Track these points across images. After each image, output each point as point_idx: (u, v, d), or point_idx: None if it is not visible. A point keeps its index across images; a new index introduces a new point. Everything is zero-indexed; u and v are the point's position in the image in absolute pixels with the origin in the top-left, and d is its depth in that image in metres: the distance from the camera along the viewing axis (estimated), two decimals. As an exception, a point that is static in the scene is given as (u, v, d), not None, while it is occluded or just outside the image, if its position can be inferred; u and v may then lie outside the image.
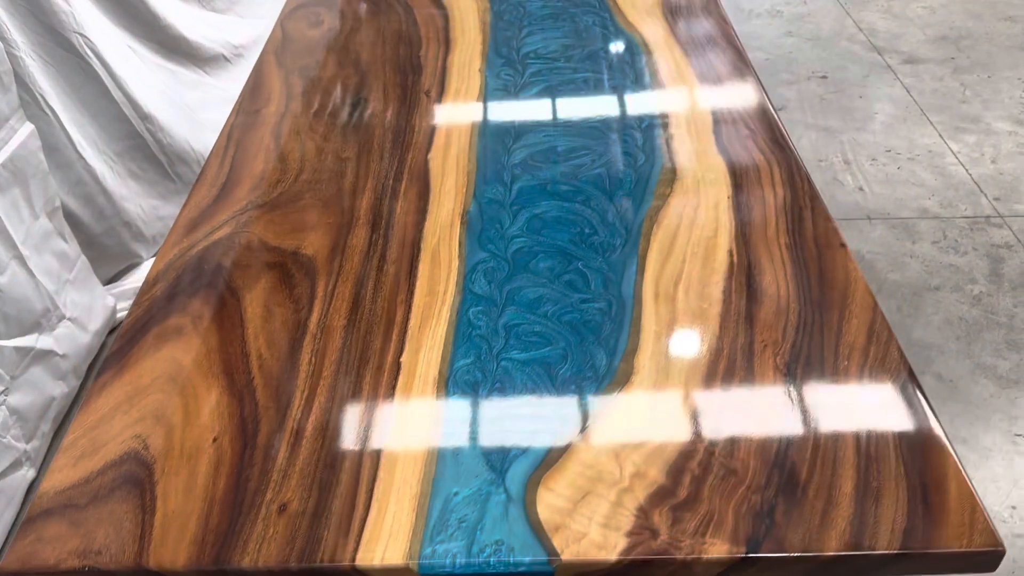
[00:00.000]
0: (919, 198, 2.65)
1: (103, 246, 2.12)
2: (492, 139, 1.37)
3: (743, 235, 1.13)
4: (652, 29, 1.70)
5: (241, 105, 1.49)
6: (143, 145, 2.21)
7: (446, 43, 1.67)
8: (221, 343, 0.98)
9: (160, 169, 2.31)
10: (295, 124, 1.42)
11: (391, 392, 0.91)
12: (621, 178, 1.26)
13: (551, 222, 1.18)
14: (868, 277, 2.27)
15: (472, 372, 0.94)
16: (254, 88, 1.54)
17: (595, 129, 1.39)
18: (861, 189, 2.70)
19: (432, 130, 1.40)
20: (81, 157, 1.97)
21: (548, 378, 0.93)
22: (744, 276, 1.06)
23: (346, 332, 0.99)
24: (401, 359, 0.96)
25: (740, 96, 1.46)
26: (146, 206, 2.25)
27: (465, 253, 1.12)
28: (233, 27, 2.84)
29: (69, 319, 1.86)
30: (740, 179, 1.25)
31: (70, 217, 1.97)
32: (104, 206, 2.07)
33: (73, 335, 1.86)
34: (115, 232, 2.13)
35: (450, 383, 0.93)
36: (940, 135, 2.97)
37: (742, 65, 1.54)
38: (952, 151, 2.87)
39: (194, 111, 2.53)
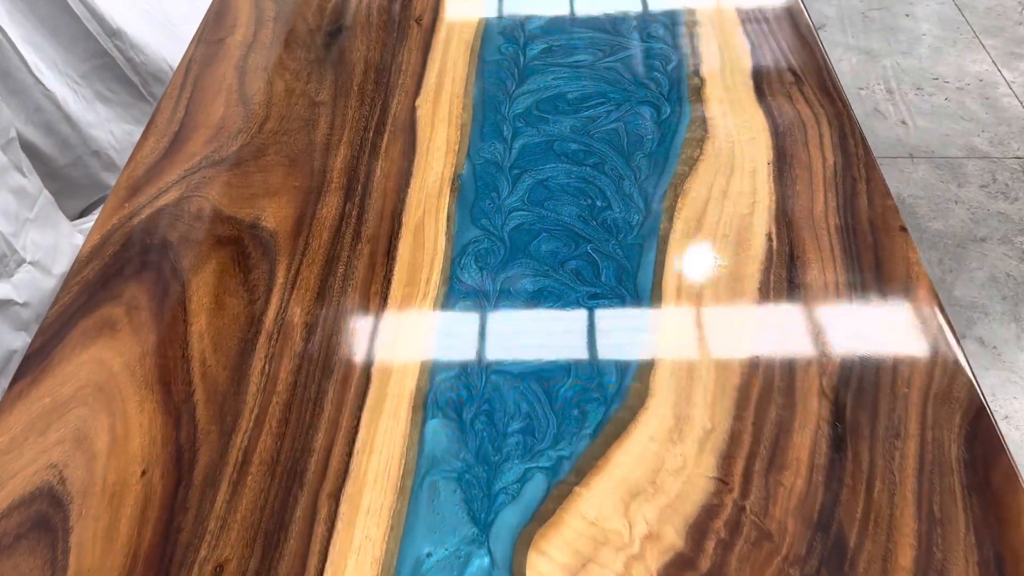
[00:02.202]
0: (967, 134, 2.43)
1: (69, 179, 1.95)
2: (492, 81, 1.18)
3: (785, 213, 0.96)
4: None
5: (203, 33, 1.29)
6: (112, 65, 2.01)
7: (443, -42, 1.45)
8: (159, 343, 0.84)
9: (133, 91, 2.11)
10: (263, 58, 1.23)
11: (356, 415, 0.77)
12: (641, 135, 1.08)
13: (557, 191, 1.01)
14: (907, 224, 2.09)
15: (456, 388, 0.79)
16: (219, 12, 1.34)
17: (613, 71, 1.19)
18: (904, 123, 2.48)
19: (422, 68, 1.21)
20: (39, 82, 1.78)
21: (546, 398, 0.78)
22: (785, 268, 0.89)
23: (308, 332, 0.84)
24: (371, 370, 0.81)
25: (785, 35, 1.25)
26: (118, 132, 2.07)
27: (454, 230, 0.96)
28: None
29: (30, 263, 1.71)
30: (783, 139, 1.06)
31: (29, 149, 1.80)
32: (68, 135, 1.90)
33: (35, 280, 1.72)
34: (83, 163, 1.96)
35: (428, 403, 0.78)
36: (993, 62, 2.71)
37: (795, 3, 1.32)
38: (1006, 80, 2.63)
39: (174, 24, 2.31)
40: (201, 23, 1.31)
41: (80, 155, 1.94)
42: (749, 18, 1.28)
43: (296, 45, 1.25)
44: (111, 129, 2.04)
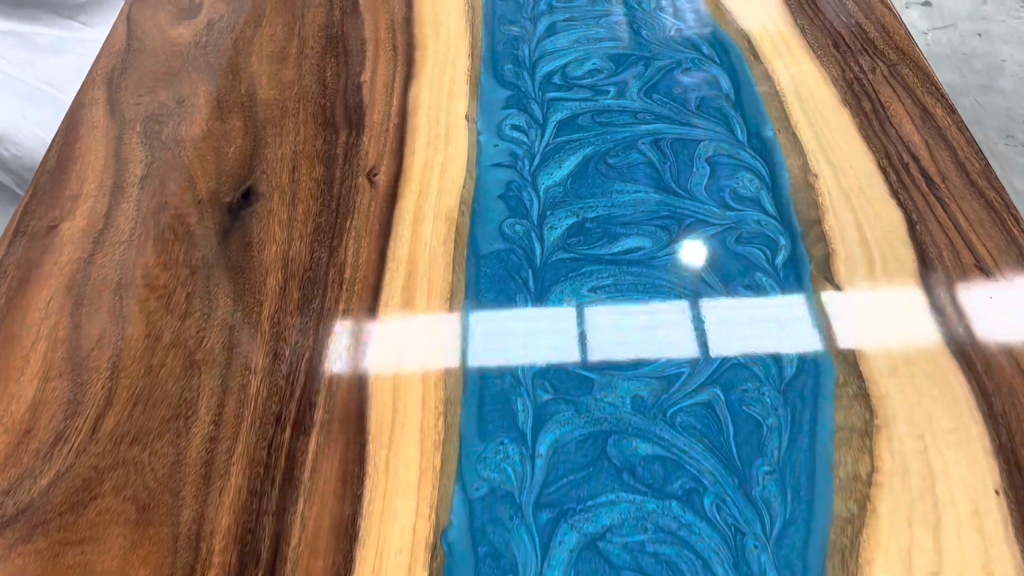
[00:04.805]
0: (1080, 200, 2.01)
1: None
2: (492, 297, 0.74)
3: (1061, 631, 0.53)
4: (765, 14, 1.03)
5: (27, 209, 0.84)
6: (-32, 168, 1.56)
7: (407, 55, 1.01)
8: None
9: (5, 194, 1.67)
10: (115, 265, 0.78)
11: None
12: (757, 419, 0.65)
13: (623, 568, 0.57)
14: None
15: None
16: (57, 168, 0.89)
17: (687, 271, 0.76)
18: (997, 184, 2.05)
19: (378, 275, 0.77)
20: None
21: None
22: None
23: None
24: None
25: (955, 189, 0.82)
26: (-17, 254, 1.62)
27: None
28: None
29: None
30: (1007, 431, 0.63)
31: None
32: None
33: None
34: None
35: None
36: (1096, 96, 2.30)
37: (951, 125, 0.89)
38: (1115, 122, 2.21)
39: (58, 88, 1.86)
40: (28, 191, 0.86)
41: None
42: (893, 162, 0.85)
43: (173, 234, 0.81)
44: (-28, 252, 1.59)
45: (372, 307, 0.74)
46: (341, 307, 0.74)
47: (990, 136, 2.19)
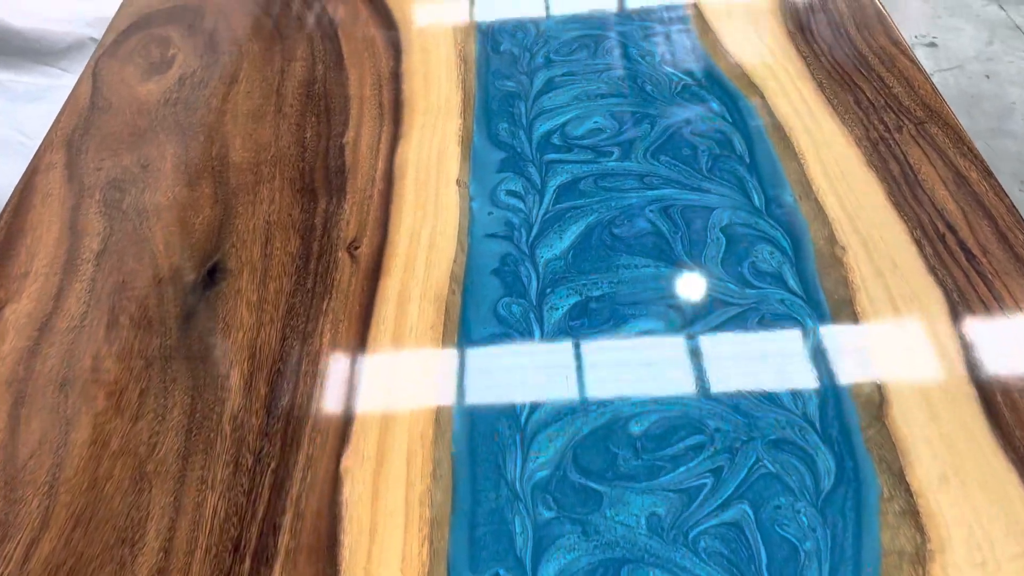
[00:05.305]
0: (1101, 248, 1.93)
1: None
2: (479, 418, 0.66)
3: None
4: (779, 67, 0.96)
5: (-33, 291, 0.76)
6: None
7: (394, 113, 0.94)
8: None
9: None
10: (64, 354, 0.70)
11: None
12: (784, 555, 0.57)
13: None
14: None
15: None
16: (7, 238, 0.81)
17: (707, 366, 0.68)
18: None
19: (355, 375, 0.69)
20: None
21: None
22: None
23: None
24: None
25: (1000, 266, 0.74)
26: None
27: None
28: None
29: None
30: (1083, 559, 0.55)
31: None
32: None
33: None
34: None
35: None
36: (1110, 138, 2.24)
37: (988, 191, 0.82)
38: None
39: (33, 138, 1.80)
40: (-30, 267, 0.78)
41: None
42: (927, 233, 0.77)
43: (129, 319, 0.73)
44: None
45: (350, 406, 0.66)
46: (313, 401, 0.66)
47: (1004, 180, 2.12)
